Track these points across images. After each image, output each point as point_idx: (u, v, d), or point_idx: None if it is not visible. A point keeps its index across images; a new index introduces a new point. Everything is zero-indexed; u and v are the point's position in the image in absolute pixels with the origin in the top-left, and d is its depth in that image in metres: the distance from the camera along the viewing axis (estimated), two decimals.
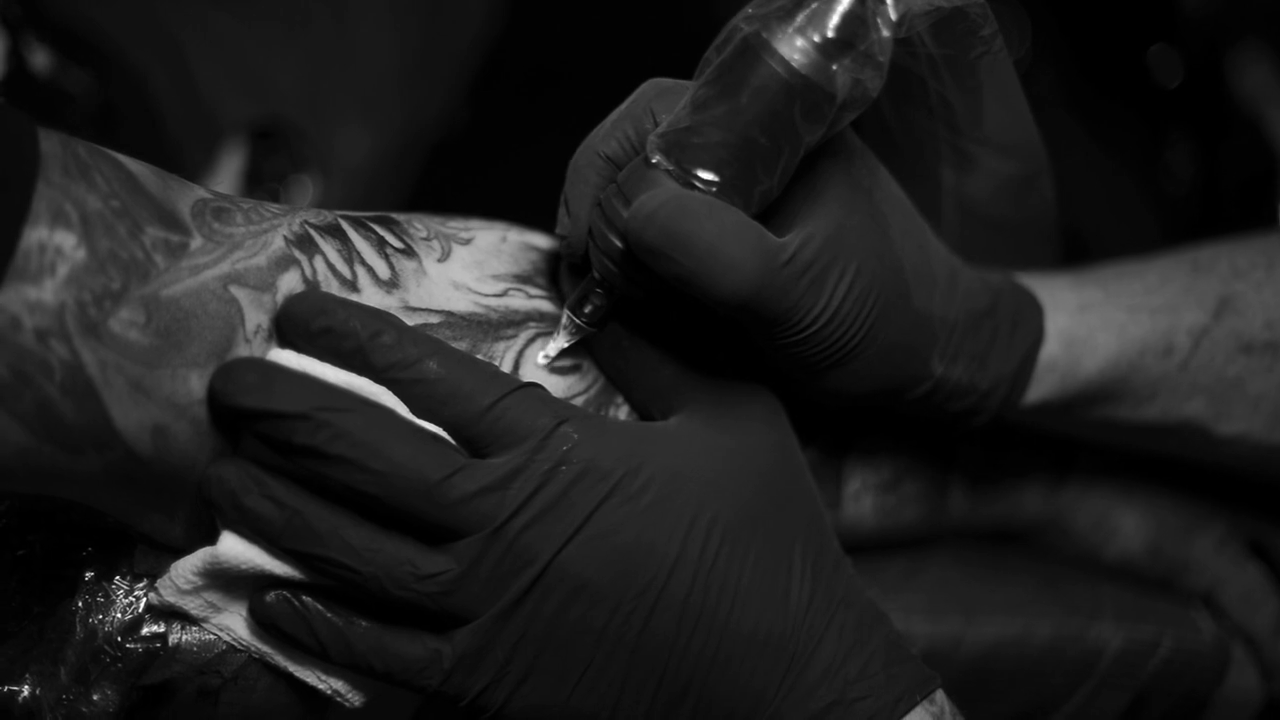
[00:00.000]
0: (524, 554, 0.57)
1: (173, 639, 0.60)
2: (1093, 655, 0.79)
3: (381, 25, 1.26)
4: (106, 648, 0.60)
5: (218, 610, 0.60)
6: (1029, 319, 0.70)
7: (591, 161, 0.63)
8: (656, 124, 0.62)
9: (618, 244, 0.61)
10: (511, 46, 1.32)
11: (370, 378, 0.58)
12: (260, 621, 0.59)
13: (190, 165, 1.11)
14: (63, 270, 0.55)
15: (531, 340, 0.64)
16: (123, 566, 0.60)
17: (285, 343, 0.59)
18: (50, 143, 0.56)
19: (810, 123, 0.60)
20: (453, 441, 0.59)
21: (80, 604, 0.60)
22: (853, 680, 0.61)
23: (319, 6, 1.25)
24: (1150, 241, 0.85)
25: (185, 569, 0.59)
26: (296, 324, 0.59)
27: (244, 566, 0.58)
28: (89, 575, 0.61)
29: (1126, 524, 0.82)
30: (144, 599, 0.60)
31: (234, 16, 1.22)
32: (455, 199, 1.23)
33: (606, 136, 0.63)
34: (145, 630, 0.60)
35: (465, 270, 0.64)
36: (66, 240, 0.55)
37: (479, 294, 0.64)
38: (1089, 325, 0.71)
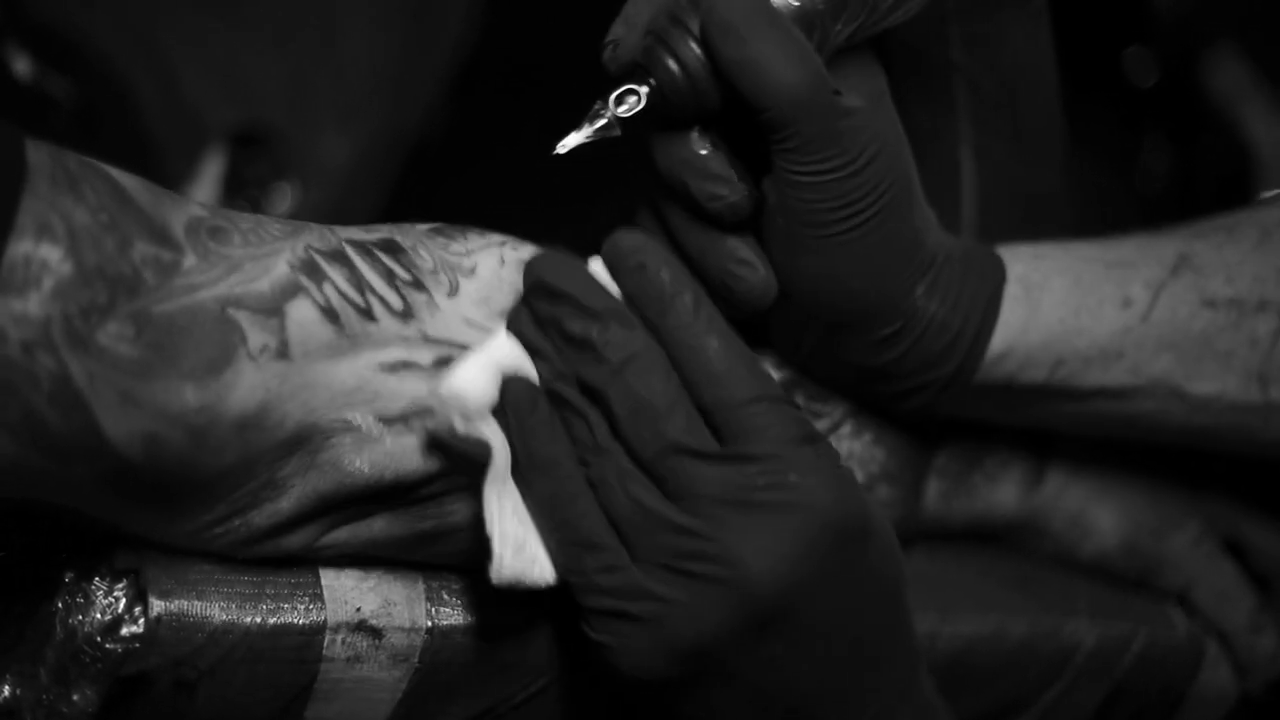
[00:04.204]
0: (713, 551, 0.58)
1: (150, 630, 0.60)
2: (1067, 651, 0.79)
3: (364, 30, 1.26)
4: (86, 648, 0.60)
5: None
6: (992, 264, 0.71)
7: None
8: None
9: (687, 39, 0.63)
10: (490, 48, 1.32)
11: (658, 330, 0.61)
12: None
13: (173, 171, 1.11)
14: (49, 284, 0.54)
15: None
16: (102, 567, 0.61)
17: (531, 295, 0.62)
18: (39, 154, 0.56)
19: None
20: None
21: (60, 605, 0.60)
22: None
23: (303, 12, 1.26)
24: None
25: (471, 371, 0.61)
26: (620, 254, 0.62)
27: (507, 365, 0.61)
28: (68, 576, 0.61)
29: (1102, 522, 0.82)
30: (122, 599, 0.60)
31: (218, 22, 1.22)
32: (435, 201, 1.24)
33: None
34: (124, 631, 0.60)
35: (475, 307, 0.64)
36: (53, 254, 0.55)
37: (490, 331, 0.64)
38: (1044, 271, 0.71)
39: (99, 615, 0.60)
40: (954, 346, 0.69)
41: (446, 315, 0.63)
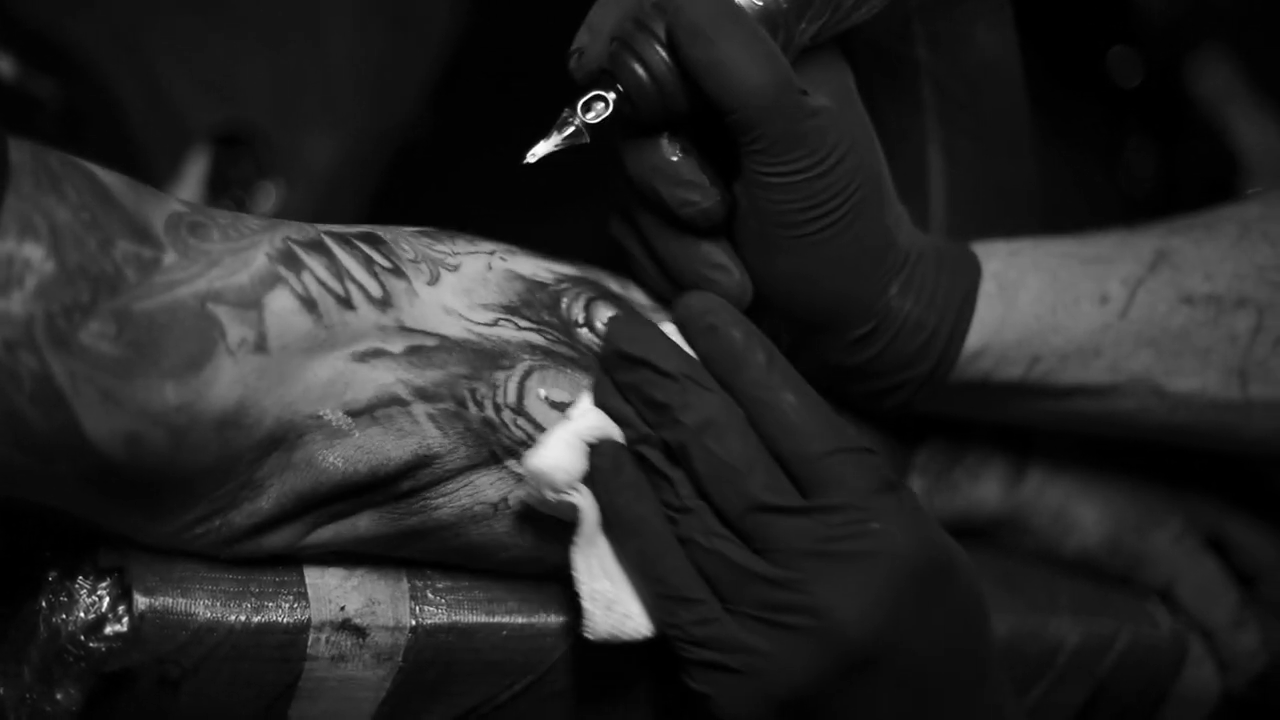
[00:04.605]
0: (803, 603, 0.60)
1: (133, 628, 0.60)
2: (1051, 650, 0.79)
3: (348, 31, 1.26)
4: (69, 647, 0.60)
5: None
6: (967, 262, 0.71)
7: None
8: None
9: (652, 43, 0.63)
10: (474, 49, 1.32)
11: (733, 388, 0.62)
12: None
13: (157, 171, 1.11)
14: (31, 282, 0.55)
15: (529, 373, 0.64)
16: (86, 566, 0.61)
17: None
18: (21, 153, 0.56)
19: None
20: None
21: (44, 604, 0.60)
22: None
23: (287, 13, 1.25)
24: None
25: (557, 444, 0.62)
26: (693, 316, 0.64)
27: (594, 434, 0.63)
28: (52, 575, 0.61)
29: (1085, 518, 0.82)
30: (106, 598, 0.60)
31: (202, 23, 1.22)
32: (419, 202, 1.24)
33: None
34: (108, 630, 0.60)
35: (455, 297, 0.65)
36: (35, 252, 0.55)
37: (471, 321, 0.64)
38: (1019, 267, 0.71)
39: (83, 614, 0.60)
40: (929, 345, 0.70)
41: (425, 303, 0.63)
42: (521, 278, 0.67)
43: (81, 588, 0.60)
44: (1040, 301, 0.71)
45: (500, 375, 0.63)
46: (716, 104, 0.63)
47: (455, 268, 0.65)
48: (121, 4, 1.18)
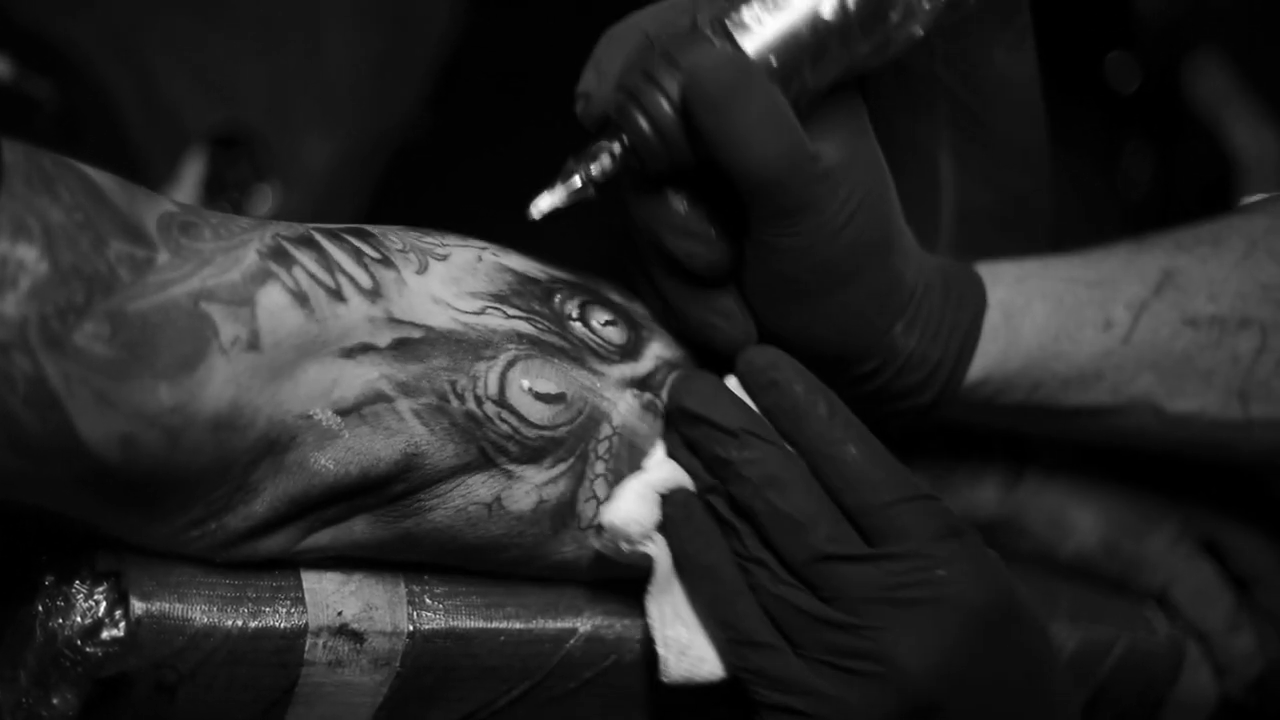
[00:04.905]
0: (869, 649, 0.61)
1: (130, 632, 0.60)
2: None
3: (346, 33, 1.26)
4: (66, 651, 0.60)
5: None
6: (973, 290, 0.71)
7: (633, 31, 0.64)
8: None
9: (660, 99, 0.62)
10: (472, 51, 1.32)
11: (797, 442, 0.63)
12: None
13: (154, 173, 1.11)
14: (25, 283, 0.54)
15: (511, 363, 0.64)
16: (83, 570, 0.61)
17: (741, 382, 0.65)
18: (13, 154, 0.56)
19: (864, 33, 0.62)
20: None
21: (40, 608, 0.60)
22: None
23: (284, 15, 1.25)
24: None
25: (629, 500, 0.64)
26: (755, 372, 0.65)
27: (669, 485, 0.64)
28: (49, 579, 0.61)
29: (1082, 521, 0.83)
30: (103, 602, 0.60)
31: (199, 25, 1.21)
32: (417, 204, 1.24)
33: (652, 17, 0.64)
34: (105, 635, 0.60)
35: (443, 285, 0.64)
36: (29, 253, 0.55)
37: (458, 310, 0.64)
38: (1026, 294, 0.71)
39: (79, 619, 0.60)
40: (932, 377, 0.70)
41: (414, 292, 0.63)
42: (513, 270, 0.67)
43: (78, 592, 0.60)
44: (1045, 330, 0.71)
45: (481, 366, 0.63)
46: (726, 173, 0.62)
47: (444, 257, 0.65)
48: (118, 5, 1.18)
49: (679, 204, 0.65)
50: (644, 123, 0.62)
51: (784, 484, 0.62)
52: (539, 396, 0.63)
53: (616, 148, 0.63)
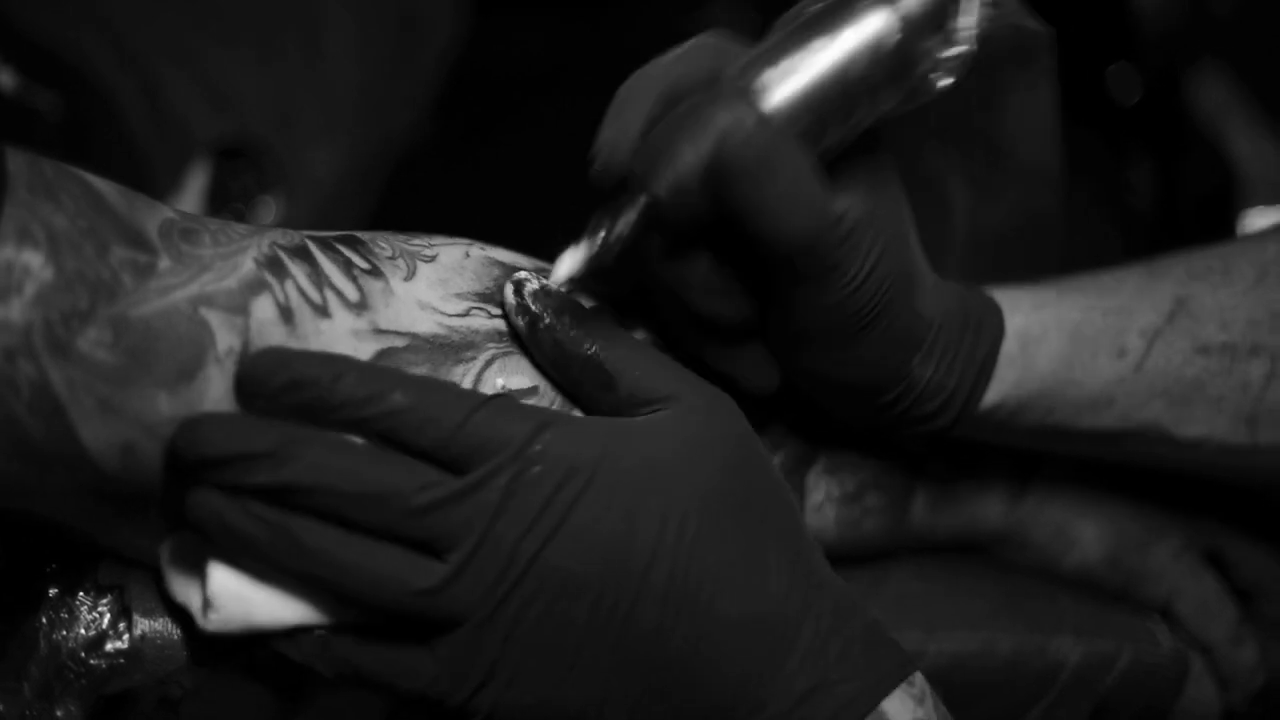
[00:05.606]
0: (507, 555, 0.57)
1: (134, 646, 0.60)
2: (1053, 669, 0.79)
3: (349, 43, 1.26)
4: (70, 664, 0.60)
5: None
6: (991, 319, 0.71)
7: (647, 90, 0.62)
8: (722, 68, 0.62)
9: (689, 162, 0.60)
10: (475, 62, 1.32)
11: (337, 420, 0.57)
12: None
13: (158, 184, 1.11)
14: (30, 289, 0.55)
15: (489, 362, 0.63)
16: (86, 583, 0.61)
17: (244, 401, 0.58)
18: (16, 161, 0.56)
19: (892, 87, 0.61)
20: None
21: (44, 620, 0.60)
22: (833, 663, 0.61)
23: (288, 25, 1.26)
24: (1112, 257, 0.86)
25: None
26: (259, 383, 0.58)
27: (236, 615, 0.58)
28: (53, 592, 0.61)
29: (1086, 534, 0.82)
30: (107, 614, 0.60)
31: (203, 36, 1.22)
32: (420, 214, 1.23)
33: (664, 73, 0.63)
34: (109, 647, 0.60)
35: (430, 289, 0.64)
36: (34, 259, 0.55)
37: (443, 314, 0.64)
38: (1043, 323, 0.71)
39: (83, 631, 0.60)
40: (948, 405, 0.70)
41: (400, 300, 0.63)
42: (500, 264, 0.67)
43: (82, 604, 0.60)
44: (1060, 358, 0.71)
45: (459, 370, 0.62)
46: (752, 239, 0.61)
47: (432, 258, 0.65)
48: (123, 16, 1.18)
49: (702, 263, 0.64)
50: (672, 185, 0.60)
51: (345, 468, 0.56)
52: (513, 392, 0.63)
53: (640, 207, 0.61)
